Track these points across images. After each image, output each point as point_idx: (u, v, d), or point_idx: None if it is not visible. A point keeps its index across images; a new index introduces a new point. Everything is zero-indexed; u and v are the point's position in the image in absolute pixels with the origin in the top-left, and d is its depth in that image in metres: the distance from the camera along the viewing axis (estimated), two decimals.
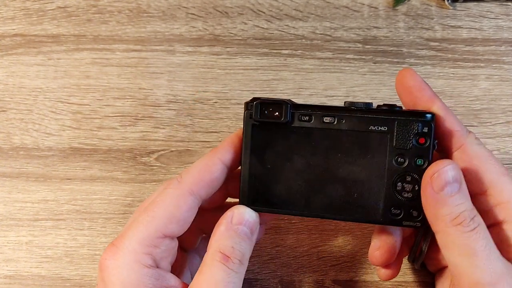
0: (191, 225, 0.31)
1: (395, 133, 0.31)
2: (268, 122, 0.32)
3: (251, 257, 0.40)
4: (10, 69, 0.43)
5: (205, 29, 0.43)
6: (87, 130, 0.42)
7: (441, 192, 0.28)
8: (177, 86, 0.43)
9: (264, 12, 0.44)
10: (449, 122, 0.31)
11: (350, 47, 0.43)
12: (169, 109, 0.42)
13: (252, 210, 0.31)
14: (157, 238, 0.30)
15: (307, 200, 0.32)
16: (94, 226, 0.41)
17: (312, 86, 0.42)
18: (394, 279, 0.39)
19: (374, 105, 0.32)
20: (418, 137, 0.31)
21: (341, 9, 0.44)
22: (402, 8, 0.44)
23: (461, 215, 0.28)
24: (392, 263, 0.35)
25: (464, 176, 0.29)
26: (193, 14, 0.44)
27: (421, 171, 0.30)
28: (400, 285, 0.40)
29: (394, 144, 0.31)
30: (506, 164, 0.41)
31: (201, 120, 0.42)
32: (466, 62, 0.43)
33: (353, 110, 0.31)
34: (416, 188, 0.31)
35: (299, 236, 0.40)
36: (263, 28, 0.43)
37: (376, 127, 0.31)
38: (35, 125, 0.42)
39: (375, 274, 0.40)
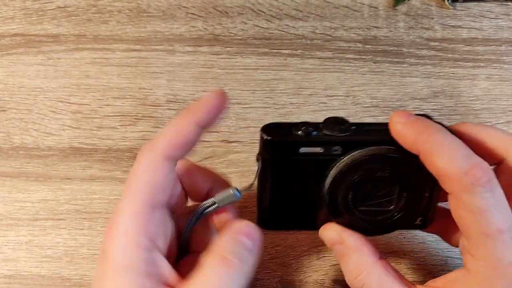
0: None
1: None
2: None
3: None
4: (10, 69, 0.43)
5: (205, 28, 0.43)
6: (87, 130, 0.42)
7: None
8: (177, 86, 0.43)
9: (264, 12, 0.44)
10: (435, 165, 0.28)
11: (350, 46, 0.43)
12: (169, 109, 0.42)
13: (256, 227, 0.31)
14: (146, 212, 0.29)
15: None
16: (94, 225, 0.41)
17: (312, 85, 0.42)
18: None
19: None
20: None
21: (341, 9, 0.44)
22: (402, 8, 0.44)
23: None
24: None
25: (453, 216, 0.28)
26: (193, 13, 0.44)
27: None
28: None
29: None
30: None
31: None
32: (466, 62, 0.43)
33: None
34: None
35: (299, 236, 0.40)
36: (263, 27, 0.43)
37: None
38: (35, 125, 0.42)
39: None
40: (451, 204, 0.28)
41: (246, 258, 0.29)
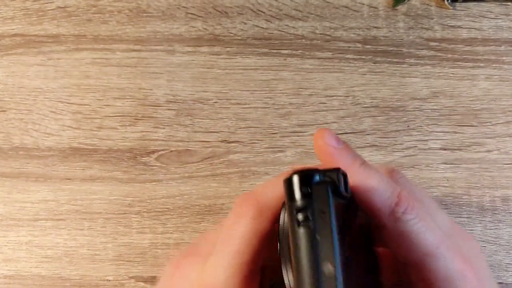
0: None
1: None
2: (342, 198, 0.24)
3: None
4: (10, 69, 0.43)
5: (205, 29, 0.43)
6: (87, 130, 0.42)
7: None
8: (176, 86, 0.43)
9: (263, 12, 0.44)
10: (365, 200, 0.27)
11: (350, 47, 0.43)
12: (169, 109, 0.42)
13: None
14: (249, 279, 0.28)
15: None
16: (94, 226, 0.41)
17: (311, 86, 0.42)
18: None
19: None
20: None
21: (341, 9, 0.44)
22: (402, 8, 0.44)
23: None
24: None
25: (392, 250, 0.28)
26: (192, 14, 0.44)
27: None
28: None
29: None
30: (506, 164, 0.41)
31: (201, 120, 0.42)
32: (466, 62, 0.43)
33: None
34: None
35: None
36: (262, 28, 0.43)
37: None
38: (35, 125, 0.42)
39: None
40: (387, 239, 0.28)
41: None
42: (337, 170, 0.23)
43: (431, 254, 0.27)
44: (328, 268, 0.21)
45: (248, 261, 0.28)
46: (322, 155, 0.28)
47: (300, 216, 0.22)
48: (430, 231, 0.27)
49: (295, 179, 0.23)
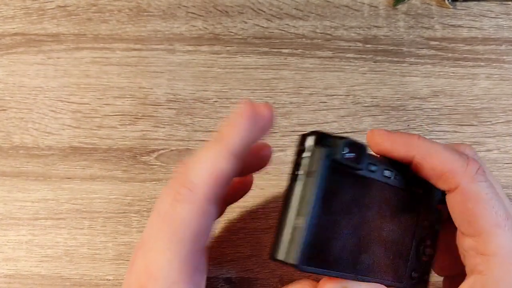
0: None
1: (424, 197, 0.30)
2: (347, 166, 0.25)
3: (251, 256, 0.40)
4: (10, 68, 0.43)
5: (205, 28, 0.43)
6: (87, 129, 0.42)
7: None
8: (177, 85, 0.43)
9: (264, 11, 0.44)
10: (437, 163, 0.28)
11: (350, 46, 0.43)
12: (169, 108, 0.42)
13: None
14: (191, 259, 0.27)
15: (356, 260, 0.27)
16: (94, 225, 0.41)
17: (312, 85, 0.42)
18: None
19: None
20: (437, 203, 0.30)
21: (342, 8, 0.44)
22: (402, 7, 0.44)
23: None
24: None
25: (456, 218, 0.28)
26: (193, 13, 0.44)
27: (436, 236, 0.30)
28: None
29: (422, 208, 0.30)
30: (506, 163, 0.41)
31: (201, 119, 0.42)
32: (466, 61, 0.43)
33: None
34: (432, 253, 0.30)
35: None
36: (263, 27, 0.43)
37: (415, 188, 0.30)
38: (35, 124, 0.42)
39: None
40: (456, 203, 0.28)
41: None
42: (343, 138, 0.25)
43: (501, 225, 0.27)
44: (300, 222, 0.24)
45: (189, 242, 0.27)
46: (383, 152, 0.29)
47: (296, 172, 0.25)
48: (500, 202, 0.28)
49: (306, 138, 0.25)
